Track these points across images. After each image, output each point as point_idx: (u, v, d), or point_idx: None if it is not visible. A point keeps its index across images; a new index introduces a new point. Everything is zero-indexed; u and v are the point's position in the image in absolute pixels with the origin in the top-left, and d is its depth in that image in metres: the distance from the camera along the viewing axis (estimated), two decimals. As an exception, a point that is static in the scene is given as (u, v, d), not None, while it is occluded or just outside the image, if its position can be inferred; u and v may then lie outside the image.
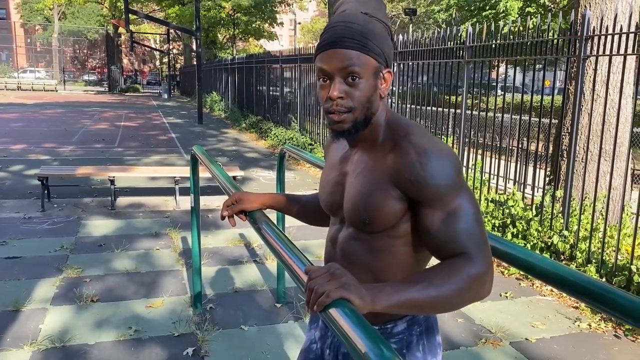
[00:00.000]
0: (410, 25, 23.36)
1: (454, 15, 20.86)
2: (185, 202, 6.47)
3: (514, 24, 5.19)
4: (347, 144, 1.32)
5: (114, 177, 6.32)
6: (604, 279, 3.94)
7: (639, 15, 4.47)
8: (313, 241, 5.22)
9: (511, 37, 5.05)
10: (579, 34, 4.39)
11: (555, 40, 4.60)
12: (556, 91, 5.36)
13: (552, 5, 15.22)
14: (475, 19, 15.94)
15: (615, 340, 3.48)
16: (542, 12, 14.99)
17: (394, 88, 7.30)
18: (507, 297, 4.05)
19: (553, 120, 5.28)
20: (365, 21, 1.17)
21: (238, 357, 3.11)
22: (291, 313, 3.71)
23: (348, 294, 0.99)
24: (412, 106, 7.02)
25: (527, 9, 15.08)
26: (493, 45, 5.30)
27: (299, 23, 44.12)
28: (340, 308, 0.98)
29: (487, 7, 15.50)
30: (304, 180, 8.43)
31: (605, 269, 3.99)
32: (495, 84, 6.87)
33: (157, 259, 4.69)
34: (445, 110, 6.53)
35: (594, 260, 4.10)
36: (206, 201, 6.69)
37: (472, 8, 16.45)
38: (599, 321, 3.69)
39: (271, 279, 4.28)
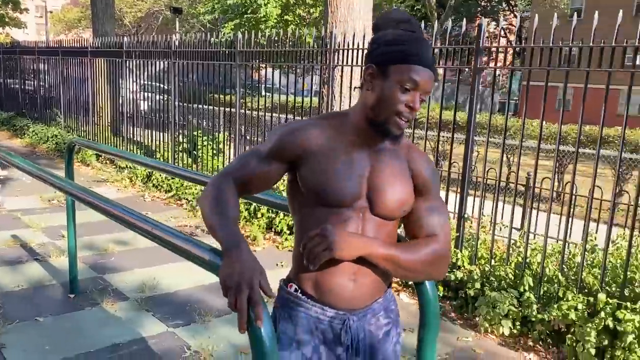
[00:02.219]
0: (177, 22, 23.40)
1: (217, 16, 21.56)
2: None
3: (277, 33, 6.00)
4: (358, 142, 1.47)
5: None
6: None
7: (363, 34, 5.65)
8: (99, 236, 5.28)
9: (276, 44, 5.84)
10: (328, 46, 5.37)
11: (312, 51, 5.53)
12: (314, 93, 6.34)
13: (307, 16, 17.01)
14: (238, 21, 16.87)
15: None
16: (298, 20, 16.66)
17: (172, 87, 7.59)
18: (282, 265, 4.78)
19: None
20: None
21: (37, 345, 3.20)
22: (88, 301, 3.85)
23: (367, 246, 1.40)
24: (188, 105, 7.42)
25: (285, 17, 16.57)
26: (262, 51, 6.03)
27: (50, 12, 40.12)
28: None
29: (249, 12, 16.56)
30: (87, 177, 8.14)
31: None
32: (265, 85, 7.68)
33: None
34: (222, 109, 7.09)
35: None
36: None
37: (234, 13, 17.37)
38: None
39: (59, 274, 4.30)
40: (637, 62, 3.15)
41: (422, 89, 1.38)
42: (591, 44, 3.42)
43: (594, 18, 3.37)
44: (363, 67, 1.42)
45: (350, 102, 5.21)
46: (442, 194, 4.63)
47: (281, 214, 5.63)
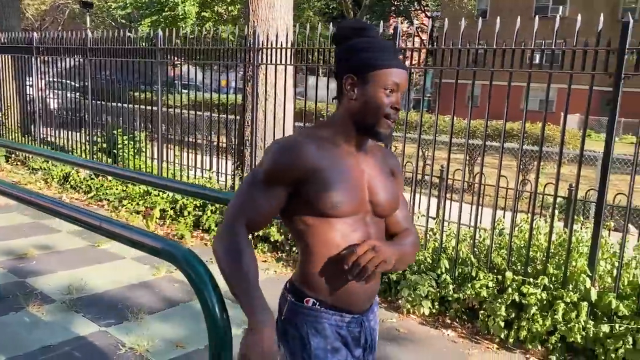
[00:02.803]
0: (88, 17, 22.37)
1: (130, 11, 20.87)
2: None
3: (199, 31, 6.01)
4: (350, 151, 1.54)
5: None
6: (282, 236, 5.10)
7: (293, 33, 5.80)
8: (16, 241, 5.09)
9: (199, 42, 5.86)
10: (250, 45, 5.47)
11: (236, 50, 5.60)
12: (237, 90, 6.40)
13: (225, 13, 16.89)
14: (155, 18, 16.45)
15: (293, 279, 4.63)
16: (217, 18, 16.50)
17: (87, 83, 7.36)
18: (211, 262, 4.83)
19: (234, 117, 6.31)
20: None
21: (-39, 353, 3.09)
22: (12, 306, 3.74)
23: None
24: (105, 103, 7.23)
25: (203, 14, 16.36)
26: (185, 49, 6.02)
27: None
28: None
29: (166, 9, 16.21)
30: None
31: (283, 228, 5.17)
32: (188, 83, 7.62)
33: None
34: (139, 107, 6.98)
35: (274, 224, 5.23)
36: None
37: (149, 9, 16.92)
38: (282, 267, 4.83)
39: (-23, 280, 4.12)
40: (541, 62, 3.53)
41: (402, 89, 1.49)
42: (495, 46, 3.78)
43: (497, 22, 3.74)
44: (342, 78, 1.51)
45: (275, 100, 5.34)
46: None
47: (208, 212, 5.67)
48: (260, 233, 5.23)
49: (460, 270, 4.03)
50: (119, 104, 7.06)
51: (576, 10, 30.64)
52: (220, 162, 6.13)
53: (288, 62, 5.18)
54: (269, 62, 5.32)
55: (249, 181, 1.51)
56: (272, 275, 4.69)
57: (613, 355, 3.22)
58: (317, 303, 1.52)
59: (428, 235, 4.42)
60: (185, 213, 5.83)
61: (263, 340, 1.34)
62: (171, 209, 5.99)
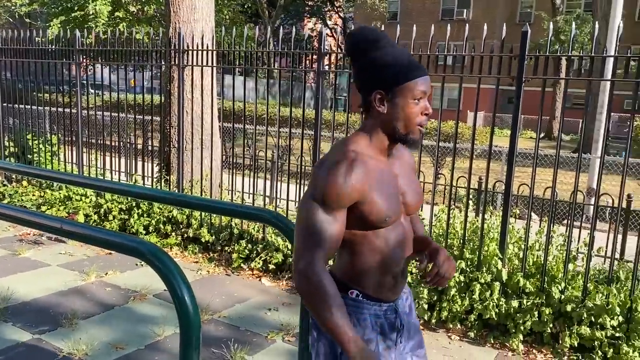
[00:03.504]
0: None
1: (35, 7, 19.73)
2: None
3: (120, 32, 5.92)
4: (383, 159, 1.63)
5: None
6: (213, 237, 5.18)
7: (217, 35, 5.86)
8: None
9: (117, 44, 5.78)
10: (175, 46, 5.48)
11: (160, 51, 5.59)
12: (152, 90, 6.36)
13: (140, 13, 16.42)
14: (64, 17, 15.70)
15: (227, 277, 4.74)
16: (131, 17, 16.01)
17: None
18: (141, 265, 4.82)
19: (150, 117, 6.26)
20: None
21: None
22: None
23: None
24: (14, 106, 6.92)
25: (116, 13, 15.81)
26: (106, 51, 5.91)
27: None
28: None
29: (76, 8, 15.51)
30: None
31: (214, 228, 5.24)
32: (110, 85, 7.43)
33: None
34: (57, 109, 6.74)
35: (205, 224, 5.29)
36: None
37: (58, 7, 16.11)
38: (214, 267, 4.91)
39: None
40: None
41: (428, 94, 1.58)
42: (412, 52, 4.09)
43: (414, 29, 4.06)
44: (367, 92, 1.59)
45: (202, 101, 5.39)
46: (294, 187, 5.08)
47: (135, 215, 5.62)
48: (191, 234, 5.28)
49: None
50: (32, 107, 6.77)
51: (479, 13, 32.62)
52: (145, 164, 6.08)
53: (214, 63, 5.26)
54: (194, 63, 5.37)
55: (312, 211, 1.54)
56: (205, 275, 4.76)
57: (522, 328, 3.62)
58: (360, 295, 1.64)
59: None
60: (111, 217, 5.74)
61: (367, 350, 1.51)
62: (95, 213, 5.87)
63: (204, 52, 5.25)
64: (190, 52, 5.38)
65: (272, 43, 5.34)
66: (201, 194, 5.43)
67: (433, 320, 3.89)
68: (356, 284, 1.65)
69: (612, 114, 3.86)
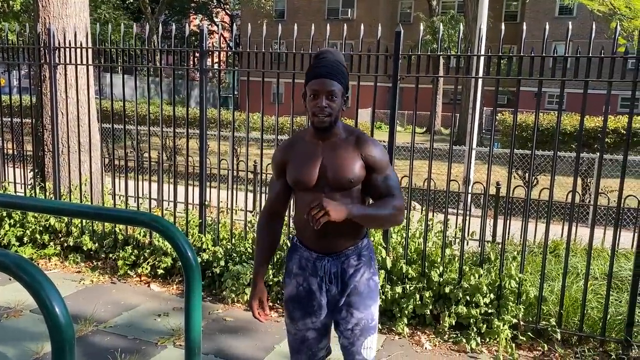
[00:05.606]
0: None
1: None
2: None
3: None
4: (314, 141, 2.11)
5: None
6: (96, 244, 4.92)
7: (94, 31, 5.56)
8: None
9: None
10: (44, 44, 5.12)
11: (28, 48, 5.18)
12: (21, 90, 5.91)
13: (5, 7, 15.06)
14: None
15: (113, 285, 4.53)
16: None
17: None
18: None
19: (20, 120, 5.82)
20: (341, 65, 2.07)
21: None
22: None
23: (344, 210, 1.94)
24: None
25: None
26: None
27: None
28: None
29: None
30: None
31: (96, 235, 4.98)
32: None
33: None
34: None
35: (86, 232, 5.01)
36: None
37: None
38: (98, 276, 4.67)
39: None
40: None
41: (323, 92, 2.02)
42: (294, 51, 4.17)
43: (294, 28, 4.13)
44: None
45: (78, 101, 5.08)
46: (182, 188, 4.97)
47: (6, 226, 5.18)
48: (72, 243, 4.97)
49: (278, 255, 4.36)
50: None
51: (362, 12, 33.76)
52: (16, 171, 5.62)
53: (89, 61, 4.98)
54: (68, 62, 5.05)
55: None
56: (89, 285, 4.53)
57: (406, 312, 3.84)
58: (297, 241, 2.23)
59: (247, 227, 4.67)
60: (-23, 230, 5.25)
61: (253, 288, 2.26)
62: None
63: (78, 50, 4.96)
64: (62, 50, 5.06)
65: (155, 40, 5.15)
66: (81, 200, 5.13)
67: (324, 312, 3.99)
68: (296, 231, 2.27)
69: (484, 108, 4.19)
